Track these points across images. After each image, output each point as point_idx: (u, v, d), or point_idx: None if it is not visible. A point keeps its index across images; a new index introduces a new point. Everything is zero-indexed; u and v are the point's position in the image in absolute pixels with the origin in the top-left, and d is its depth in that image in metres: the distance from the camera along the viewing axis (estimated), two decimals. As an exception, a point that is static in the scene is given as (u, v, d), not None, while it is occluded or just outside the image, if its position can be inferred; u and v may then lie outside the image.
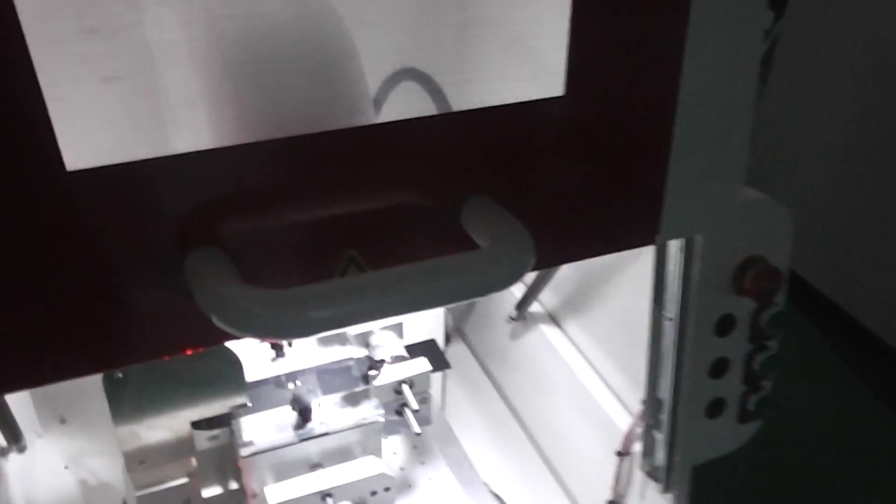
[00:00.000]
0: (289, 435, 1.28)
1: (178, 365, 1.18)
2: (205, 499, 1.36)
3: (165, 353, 0.85)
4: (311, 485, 1.27)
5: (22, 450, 1.50)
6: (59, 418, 1.94)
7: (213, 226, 0.77)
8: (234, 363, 1.21)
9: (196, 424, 1.28)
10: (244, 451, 1.26)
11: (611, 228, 1.02)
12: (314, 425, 1.29)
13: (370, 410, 1.32)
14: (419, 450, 1.57)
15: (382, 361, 1.34)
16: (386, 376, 1.35)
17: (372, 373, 1.35)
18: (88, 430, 1.68)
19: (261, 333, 0.81)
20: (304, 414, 1.28)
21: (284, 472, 1.30)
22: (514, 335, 1.91)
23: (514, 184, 0.88)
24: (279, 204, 0.78)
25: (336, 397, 1.34)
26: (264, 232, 0.80)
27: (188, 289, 0.75)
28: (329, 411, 1.31)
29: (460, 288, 0.79)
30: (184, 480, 1.30)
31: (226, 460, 1.38)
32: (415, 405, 1.33)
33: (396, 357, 1.41)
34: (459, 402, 2.06)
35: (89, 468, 1.64)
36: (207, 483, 1.38)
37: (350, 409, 1.32)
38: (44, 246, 0.71)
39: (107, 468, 1.60)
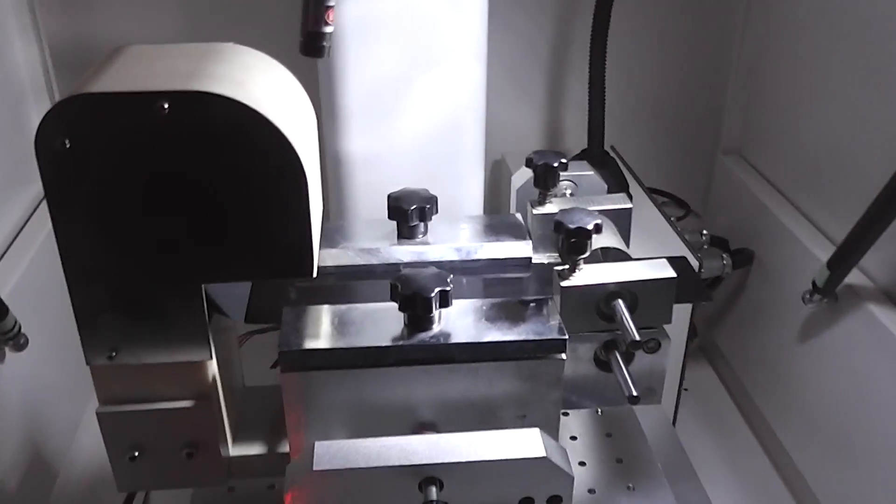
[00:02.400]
0: (381, 346, 0.65)
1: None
2: (229, 458, 0.75)
3: None
4: (404, 453, 0.62)
5: (20, 346, 0.99)
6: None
7: None
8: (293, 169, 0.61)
9: (212, 303, 0.69)
10: (285, 362, 0.65)
11: None
12: (433, 336, 0.65)
13: (546, 332, 0.66)
14: (627, 467, 0.87)
15: (583, 250, 0.68)
16: (585, 277, 0.68)
17: (559, 268, 0.69)
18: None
19: None
20: (416, 312, 0.65)
21: (361, 421, 0.67)
22: (811, 327, 1.16)
23: None
24: None
25: (485, 303, 0.69)
26: None
27: None
28: (467, 322, 0.67)
29: None
30: (185, 404, 0.70)
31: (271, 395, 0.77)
32: (634, 334, 0.65)
33: (609, 251, 0.74)
34: (697, 446, 1.32)
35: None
36: (242, 430, 0.78)
37: (507, 327, 0.67)
38: None
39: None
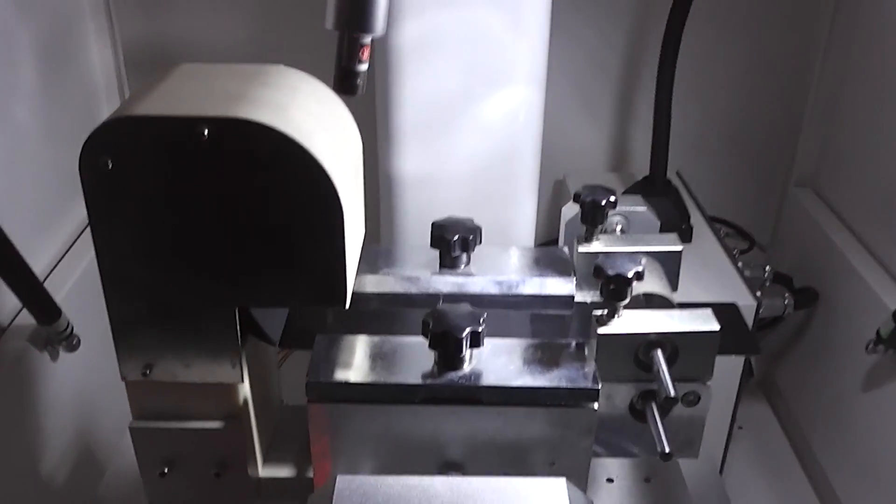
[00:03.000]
0: (409, 384, 0.64)
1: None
2: (259, 479, 0.75)
3: None
4: (425, 495, 0.61)
5: (72, 346, 1.01)
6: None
7: None
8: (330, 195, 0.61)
9: (248, 326, 0.69)
10: (312, 393, 0.64)
11: None
12: (463, 376, 0.64)
13: (579, 381, 0.64)
14: (665, 515, 0.84)
15: (623, 297, 0.65)
16: (623, 325, 0.66)
17: (598, 313, 0.67)
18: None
19: None
20: (446, 350, 0.64)
21: (387, 455, 0.66)
22: (875, 376, 1.10)
23: None
24: None
25: (520, 344, 0.68)
26: None
27: None
28: (499, 363, 0.66)
29: None
30: (215, 425, 0.70)
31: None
32: (670, 390, 0.62)
33: (653, 297, 0.71)
34: (746, 490, 1.28)
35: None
36: (274, 451, 0.78)
37: (540, 371, 0.65)
38: None
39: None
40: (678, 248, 0.77)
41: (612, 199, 0.76)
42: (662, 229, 1.13)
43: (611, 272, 0.64)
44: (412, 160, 0.95)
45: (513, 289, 0.77)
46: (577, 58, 1.35)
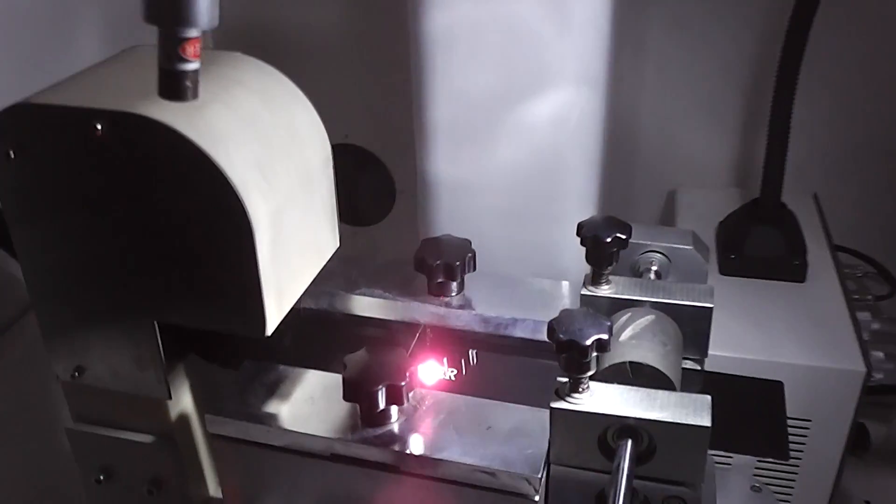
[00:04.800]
0: (315, 435, 0.55)
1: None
2: (207, 498, 0.70)
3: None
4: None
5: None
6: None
7: None
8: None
9: (192, 343, 0.63)
10: (212, 425, 0.57)
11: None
12: (380, 436, 0.54)
13: (516, 464, 0.52)
14: None
15: (579, 369, 0.52)
16: (586, 400, 0.52)
17: (561, 381, 0.54)
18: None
19: None
20: (359, 403, 0.54)
21: (295, 510, 0.58)
22: None
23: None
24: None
25: (465, 403, 0.56)
26: None
27: None
28: (431, 425, 0.55)
29: None
30: (146, 439, 0.65)
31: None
32: (620, 497, 0.48)
33: (643, 369, 0.57)
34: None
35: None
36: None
37: (475, 444, 0.53)
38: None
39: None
40: (708, 304, 0.62)
41: (622, 235, 0.61)
42: (768, 264, 0.96)
43: (563, 336, 0.50)
44: (445, 162, 0.84)
45: (500, 329, 0.66)
46: (702, 59, 1.17)
